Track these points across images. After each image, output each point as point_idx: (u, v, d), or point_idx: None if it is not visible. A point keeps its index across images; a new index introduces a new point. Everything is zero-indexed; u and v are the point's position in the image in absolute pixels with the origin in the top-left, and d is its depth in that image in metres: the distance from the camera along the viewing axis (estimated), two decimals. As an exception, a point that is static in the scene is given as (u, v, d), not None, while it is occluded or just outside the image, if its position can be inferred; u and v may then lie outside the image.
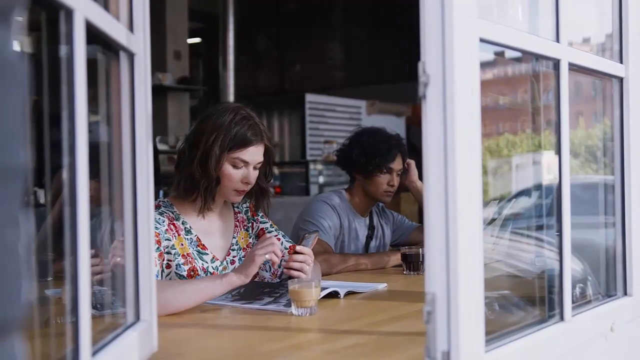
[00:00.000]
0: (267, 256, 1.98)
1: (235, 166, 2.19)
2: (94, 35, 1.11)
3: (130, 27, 1.34)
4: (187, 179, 2.20)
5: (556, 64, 1.52)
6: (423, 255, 2.66)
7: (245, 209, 2.43)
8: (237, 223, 2.38)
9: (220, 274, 2.12)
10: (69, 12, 0.98)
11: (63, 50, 1.01)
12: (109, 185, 1.37)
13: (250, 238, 2.39)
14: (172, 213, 2.22)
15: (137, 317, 1.36)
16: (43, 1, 0.92)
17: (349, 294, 2.19)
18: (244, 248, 2.35)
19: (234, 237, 2.35)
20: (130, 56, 1.34)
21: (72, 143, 1.00)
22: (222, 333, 1.76)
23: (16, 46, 0.59)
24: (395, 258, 2.83)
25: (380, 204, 3.21)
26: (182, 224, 2.22)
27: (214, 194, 2.22)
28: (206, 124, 2.19)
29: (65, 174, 1.01)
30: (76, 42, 1.00)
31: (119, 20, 1.28)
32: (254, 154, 2.21)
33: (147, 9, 1.39)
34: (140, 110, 1.36)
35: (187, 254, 2.18)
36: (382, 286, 2.37)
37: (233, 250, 2.33)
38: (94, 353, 1.09)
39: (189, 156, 2.19)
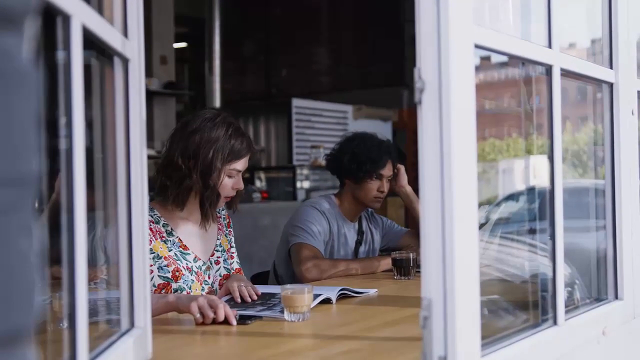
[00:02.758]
0: (197, 316, 1.83)
1: (230, 176, 2.29)
2: (89, 41, 1.11)
3: (125, 33, 1.34)
4: (186, 191, 2.25)
5: (548, 69, 1.53)
6: (414, 260, 2.68)
7: (223, 216, 2.51)
8: (220, 226, 2.46)
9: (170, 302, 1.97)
10: (66, 18, 0.98)
11: (60, 55, 1.01)
12: (102, 191, 1.36)
13: (228, 243, 2.48)
14: (152, 216, 2.26)
15: (132, 324, 1.36)
16: (40, 7, 0.92)
17: (342, 297, 2.20)
18: (226, 250, 2.45)
19: (217, 239, 2.42)
20: (125, 62, 1.33)
21: (70, 148, 0.99)
22: (216, 340, 1.76)
23: (28, 54, 0.59)
24: (386, 263, 2.84)
25: (370, 209, 3.21)
26: (163, 226, 2.28)
27: (216, 205, 2.30)
28: (199, 137, 2.23)
29: (62, 180, 1.00)
30: (73, 47, 0.99)
31: (113, 26, 1.28)
32: (246, 162, 2.33)
33: (141, 14, 1.38)
34: (134, 116, 1.36)
35: (169, 255, 2.23)
36: (373, 291, 2.37)
37: (217, 251, 2.41)
38: (90, 361, 1.08)
39: (186, 169, 2.22)
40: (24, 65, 0.58)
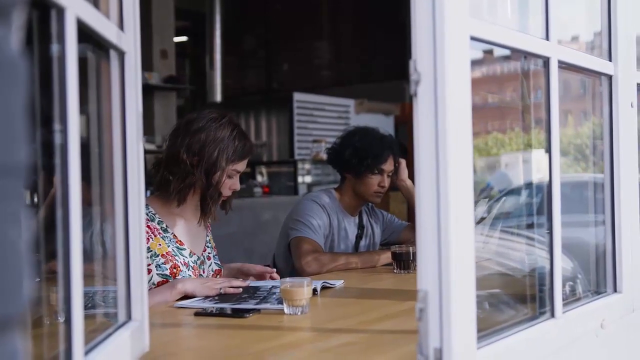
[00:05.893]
0: (221, 291, 2.13)
1: (230, 176, 2.33)
2: (84, 34, 1.10)
3: (121, 26, 1.33)
4: (188, 187, 2.29)
5: (546, 61, 1.52)
6: (413, 253, 2.68)
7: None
8: (208, 225, 2.51)
9: (172, 281, 2.20)
10: (61, 11, 0.98)
11: (54, 48, 1.01)
12: (99, 186, 1.36)
13: (213, 241, 2.54)
14: (147, 214, 2.28)
15: (129, 317, 1.36)
16: (34, -1, 0.92)
17: (340, 292, 2.21)
18: (214, 247, 2.51)
19: (207, 236, 2.48)
20: (121, 55, 1.33)
21: (64, 143, 0.99)
22: (214, 333, 1.76)
23: (16, 45, 0.59)
24: (386, 257, 2.84)
25: (370, 203, 3.21)
26: (158, 223, 2.31)
27: (218, 203, 2.36)
28: (205, 135, 2.28)
29: (56, 175, 1.00)
30: (68, 40, 0.99)
31: (109, 19, 1.27)
32: (245, 164, 2.39)
33: (137, 7, 1.38)
34: (130, 110, 1.36)
35: (167, 252, 2.27)
36: (339, 283, 2.39)
37: (208, 247, 2.46)
38: (86, 352, 1.08)
39: (190, 165, 2.26)
40: (12, 56, 0.58)
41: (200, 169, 2.26)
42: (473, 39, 1.25)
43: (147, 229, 2.23)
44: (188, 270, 2.29)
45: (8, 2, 0.57)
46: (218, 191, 2.31)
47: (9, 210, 0.56)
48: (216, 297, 2.09)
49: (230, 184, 2.34)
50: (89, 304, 1.37)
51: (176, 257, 2.27)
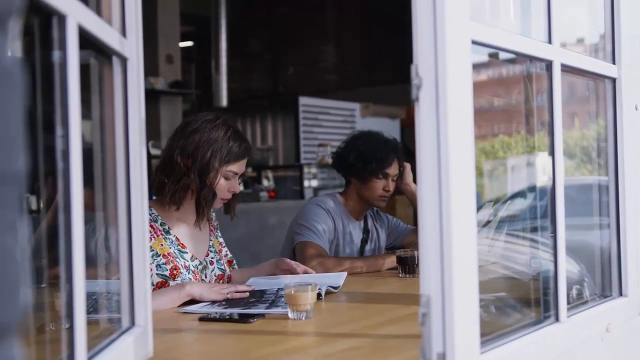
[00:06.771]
0: (228, 296, 2.13)
1: (226, 178, 2.33)
2: (87, 40, 1.11)
3: (123, 32, 1.34)
4: (183, 190, 2.29)
5: (549, 65, 1.52)
6: (418, 257, 2.66)
7: (214, 218, 2.57)
8: (212, 228, 2.51)
9: (180, 283, 2.20)
10: (62, 18, 0.98)
11: (56, 55, 1.01)
12: (102, 192, 1.37)
13: (219, 244, 2.53)
14: (150, 215, 2.29)
15: (132, 323, 1.36)
16: (36, 6, 0.92)
17: (329, 293, 2.22)
18: (218, 251, 2.49)
19: (210, 240, 2.47)
20: (123, 61, 1.34)
21: (66, 149, 0.99)
22: (218, 338, 1.76)
23: (13, 52, 0.59)
24: (391, 261, 2.83)
25: (375, 207, 3.21)
26: (161, 225, 2.31)
27: (212, 204, 2.34)
28: (199, 136, 2.28)
29: (59, 180, 1.01)
30: (69, 47, 1.00)
31: (112, 25, 1.28)
32: (243, 165, 2.38)
33: (139, 13, 1.39)
34: (133, 115, 1.36)
35: (168, 253, 2.28)
36: (342, 277, 2.42)
37: (211, 251, 2.46)
38: (89, 358, 1.09)
39: (184, 167, 2.26)
40: (9, 64, 0.58)
41: (194, 170, 2.26)
42: (474, 42, 1.25)
43: (150, 228, 2.24)
44: (188, 273, 2.29)
45: (4, 10, 0.57)
46: (212, 192, 2.30)
47: (5, 218, 0.56)
48: (223, 302, 2.09)
49: (228, 186, 2.33)
50: (91, 308, 1.38)
51: (177, 259, 2.28)
